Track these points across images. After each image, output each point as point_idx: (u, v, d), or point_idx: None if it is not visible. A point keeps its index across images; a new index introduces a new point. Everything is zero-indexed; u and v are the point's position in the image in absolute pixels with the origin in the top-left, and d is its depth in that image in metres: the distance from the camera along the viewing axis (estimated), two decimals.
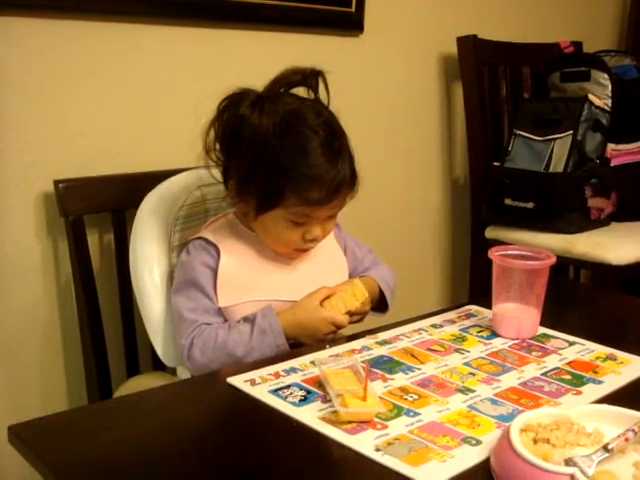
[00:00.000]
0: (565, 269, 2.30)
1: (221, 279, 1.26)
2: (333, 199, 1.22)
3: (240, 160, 1.24)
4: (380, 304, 1.42)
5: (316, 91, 1.28)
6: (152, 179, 1.50)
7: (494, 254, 1.22)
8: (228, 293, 1.27)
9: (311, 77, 1.27)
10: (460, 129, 2.48)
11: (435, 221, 2.51)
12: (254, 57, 1.85)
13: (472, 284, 2.44)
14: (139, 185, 1.51)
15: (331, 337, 1.27)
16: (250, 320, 1.23)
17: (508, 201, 2.20)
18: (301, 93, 1.28)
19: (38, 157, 1.55)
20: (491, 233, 2.30)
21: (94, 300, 1.59)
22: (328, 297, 1.28)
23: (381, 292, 1.41)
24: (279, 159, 1.19)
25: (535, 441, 0.84)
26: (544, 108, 2.28)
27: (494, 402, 0.99)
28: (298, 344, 1.25)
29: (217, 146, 1.27)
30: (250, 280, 1.28)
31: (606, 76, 2.26)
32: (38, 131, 1.54)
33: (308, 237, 1.26)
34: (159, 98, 1.71)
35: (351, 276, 1.40)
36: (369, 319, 1.38)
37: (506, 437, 0.83)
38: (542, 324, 1.25)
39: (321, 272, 1.34)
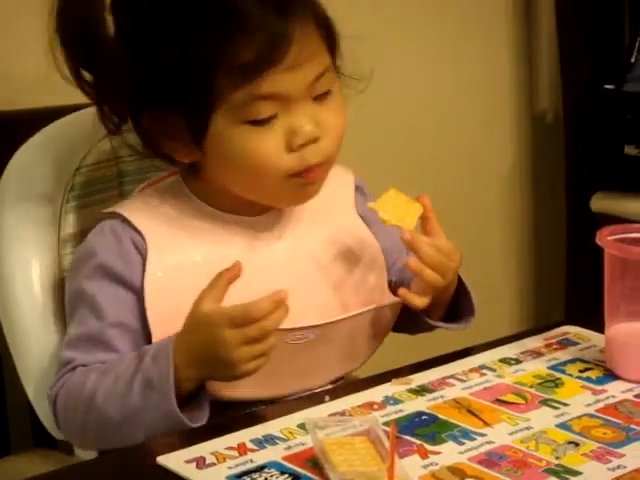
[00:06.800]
0: None
1: (151, 297, 1.23)
2: (287, 50, 1.18)
3: (125, 70, 1.21)
4: (452, 310, 1.36)
5: None
6: (29, 122, 1.47)
7: (606, 239, 1.20)
8: (167, 320, 1.21)
9: None
10: (546, 35, 2.47)
11: (505, 184, 2.51)
12: None
13: (569, 292, 2.46)
14: (7, 133, 1.50)
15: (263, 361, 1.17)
16: (139, 358, 1.19)
17: (629, 149, 2.21)
18: None
19: None
20: (600, 203, 2.31)
21: None
22: None
23: (457, 290, 1.35)
24: (176, 29, 1.19)
25: None
26: None
27: None
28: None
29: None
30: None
31: None
32: None
33: (298, 141, 1.21)
34: None
35: (389, 270, 1.39)
36: (394, 350, 1.35)
37: None
38: None
39: (330, 263, 1.32)
